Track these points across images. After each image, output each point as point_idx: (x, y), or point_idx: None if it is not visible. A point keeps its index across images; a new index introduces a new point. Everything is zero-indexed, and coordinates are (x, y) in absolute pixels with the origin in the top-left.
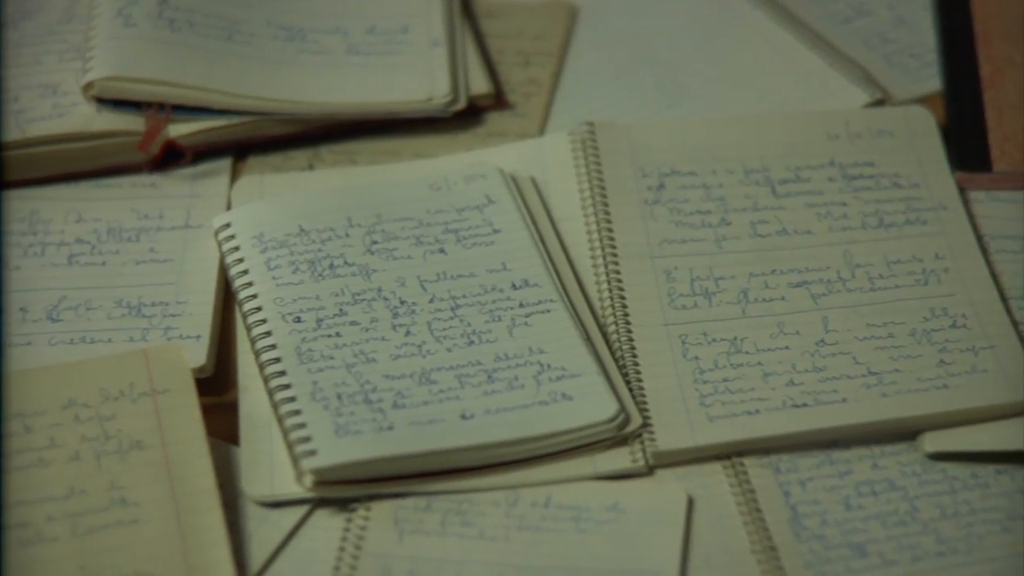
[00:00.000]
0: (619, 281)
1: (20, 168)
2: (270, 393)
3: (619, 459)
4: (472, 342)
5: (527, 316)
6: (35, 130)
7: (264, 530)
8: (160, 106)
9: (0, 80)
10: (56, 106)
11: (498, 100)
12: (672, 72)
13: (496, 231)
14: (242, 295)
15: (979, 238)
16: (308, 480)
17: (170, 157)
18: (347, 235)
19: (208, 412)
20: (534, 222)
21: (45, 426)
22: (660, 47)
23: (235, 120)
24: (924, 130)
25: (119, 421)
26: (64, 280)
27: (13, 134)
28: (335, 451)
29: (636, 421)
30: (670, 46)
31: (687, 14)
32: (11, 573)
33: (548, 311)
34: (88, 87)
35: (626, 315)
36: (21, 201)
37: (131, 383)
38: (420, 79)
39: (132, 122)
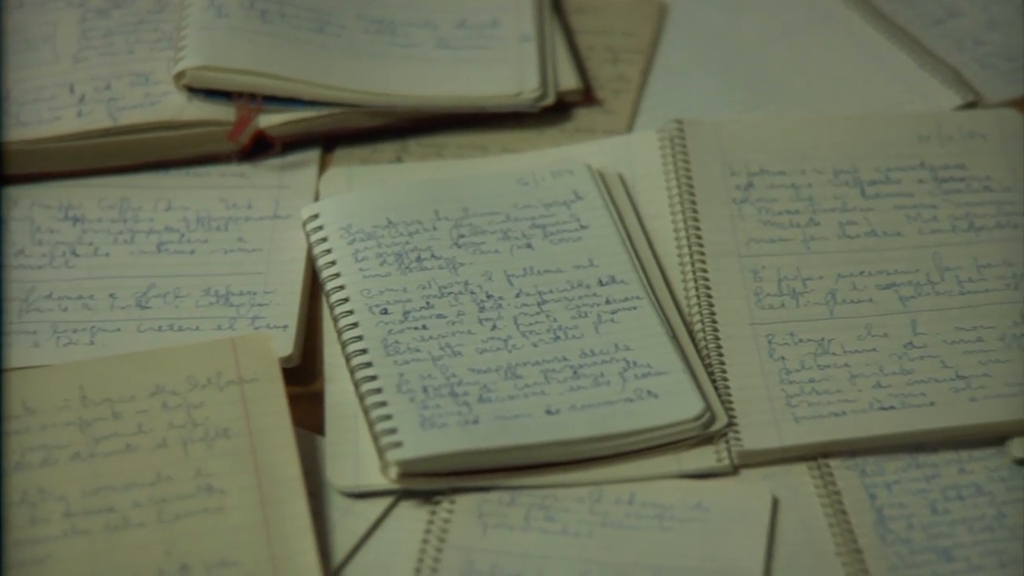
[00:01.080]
0: (706, 279)
1: (111, 156)
2: (356, 384)
3: (704, 458)
4: (558, 338)
5: (613, 313)
6: (126, 118)
7: (348, 520)
8: (251, 96)
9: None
10: (148, 95)
11: (587, 96)
12: (761, 71)
13: (583, 227)
14: (329, 286)
15: None
16: (393, 472)
17: (259, 147)
18: (434, 228)
19: (294, 402)
20: (621, 219)
21: (133, 412)
22: (749, 46)
23: (324, 111)
24: (1016, 133)
25: (206, 409)
26: (153, 268)
27: (104, 122)
28: (420, 443)
29: (721, 420)
30: (760, 45)
31: (777, 13)
32: (98, 559)
33: (634, 308)
34: (180, 76)
35: (712, 314)
36: (111, 188)
37: (219, 371)
38: (509, 74)
39: (222, 112)
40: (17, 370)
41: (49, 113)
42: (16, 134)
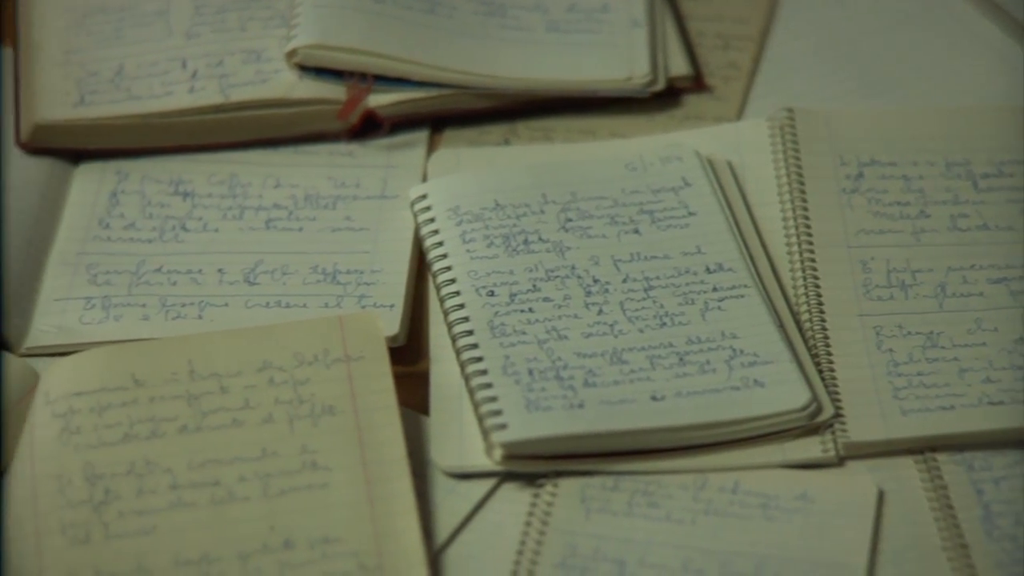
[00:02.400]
0: (814, 269)
1: (222, 132)
2: (462, 365)
3: (809, 448)
4: (664, 324)
5: (720, 300)
6: (238, 95)
7: (452, 501)
8: (362, 76)
9: None
10: (259, 72)
11: (697, 83)
12: (873, 61)
13: (691, 214)
14: (436, 267)
15: None
16: (497, 453)
17: (368, 127)
18: (542, 211)
19: (398, 381)
20: (729, 206)
21: (240, 387)
22: (861, 35)
23: (434, 92)
24: None
25: (312, 386)
26: (261, 244)
27: (216, 98)
28: (525, 426)
29: (828, 411)
30: (872, 35)
31: (890, 3)
32: (203, 531)
33: (742, 296)
34: (291, 54)
35: (820, 304)
36: (221, 164)
37: (326, 349)
38: (620, 59)
39: (333, 91)
40: (126, 342)
41: (161, 88)
42: (128, 108)
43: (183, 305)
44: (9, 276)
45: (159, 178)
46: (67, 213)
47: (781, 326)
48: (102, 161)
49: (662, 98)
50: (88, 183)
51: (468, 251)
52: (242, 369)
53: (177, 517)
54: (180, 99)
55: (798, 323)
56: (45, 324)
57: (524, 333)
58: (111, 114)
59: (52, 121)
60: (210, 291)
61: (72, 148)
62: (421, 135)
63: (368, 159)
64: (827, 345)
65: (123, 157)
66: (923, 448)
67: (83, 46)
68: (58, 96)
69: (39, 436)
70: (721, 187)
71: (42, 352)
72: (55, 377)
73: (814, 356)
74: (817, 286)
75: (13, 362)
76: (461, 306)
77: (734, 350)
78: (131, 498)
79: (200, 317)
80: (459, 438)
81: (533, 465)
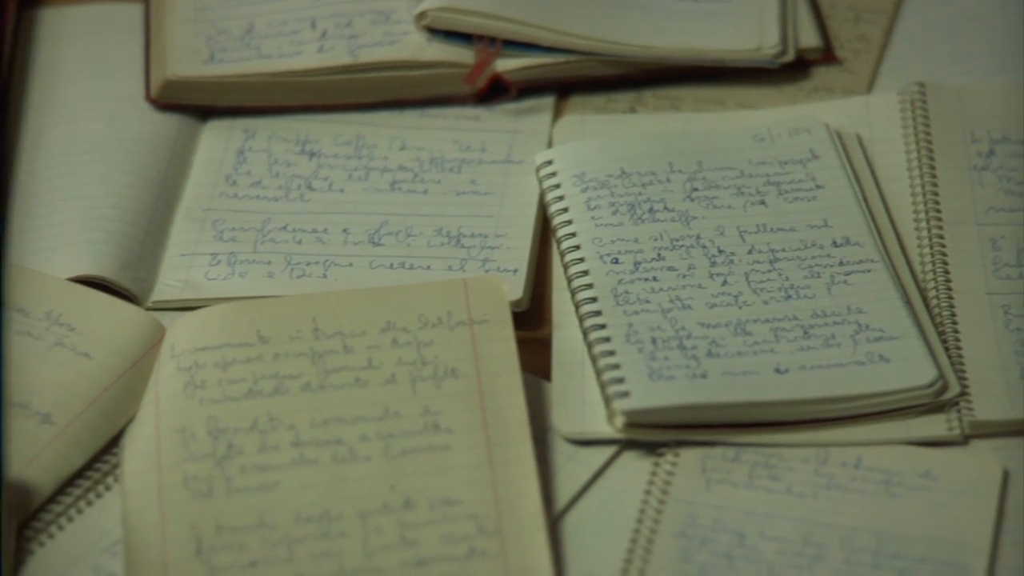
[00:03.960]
0: (942, 246)
1: (349, 92)
2: (585, 332)
3: (934, 426)
4: (789, 296)
5: (847, 274)
6: (366, 56)
7: (572, 467)
8: (490, 40)
9: None
10: (388, 33)
11: (827, 55)
12: (1007, 36)
13: (819, 187)
14: (561, 233)
15: None
16: (619, 421)
17: (495, 91)
18: (668, 180)
19: (520, 346)
20: (858, 180)
21: (364, 347)
22: (996, 9)
23: (562, 58)
24: None
25: (436, 348)
26: (386, 205)
27: (344, 59)
28: (648, 394)
29: (954, 389)
30: (1006, 8)
31: None
32: (325, 489)
33: (868, 271)
34: (421, 16)
35: (948, 281)
36: (348, 125)
37: (449, 311)
38: (750, 28)
39: (461, 54)
40: (252, 299)
41: (291, 47)
42: (257, 67)
43: (308, 264)
44: (137, 230)
45: (286, 137)
46: (195, 169)
47: (907, 302)
48: (230, 118)
49: (791, 69)
50: (216, 140)
51: (593, 218)
52: (366, 329)
53: (299, 474)
54: (309, 59)
55: (925, 300)
56: (171, 279)
57: (648, 302)
58: (240, 72)
59: (182, 77)
60: (335, 251)
61: (201, 105)
62: (547, 101)
63: (494, 124)
64: (954, 322)
65: (251, 115)
66: None
67: (214, 4)
68: (188, 53)
69: (164, 389)
70: (849, 161)
71: (168, 306)
72: (181, 331)
73: (940, 333)
74: (945, 263)
75: (140, 315)
76: (585, 273)
77: (859, 325)
78: (254, 453)
79: (324, 276)
80: (580, 404)
81: (654, 434)
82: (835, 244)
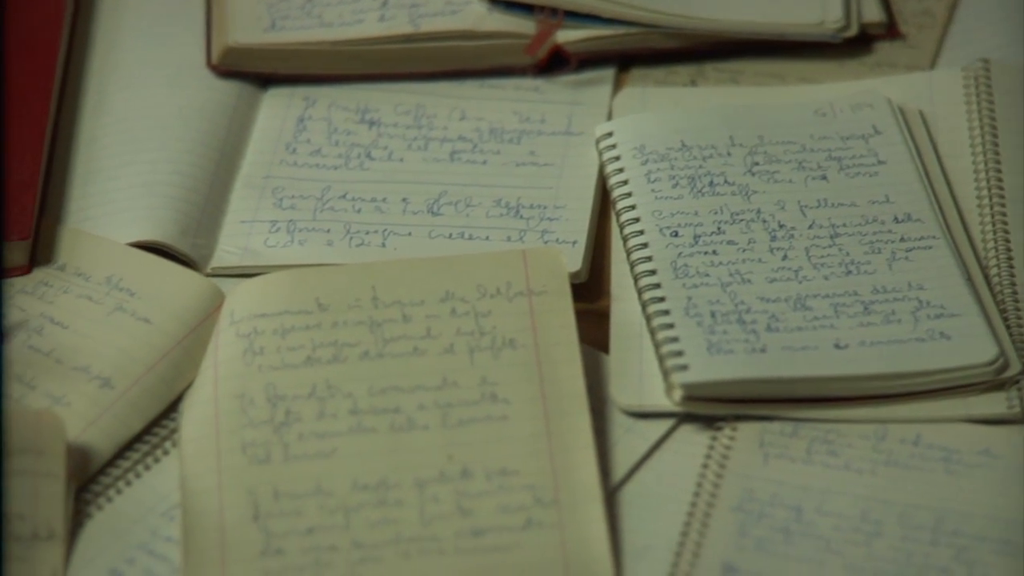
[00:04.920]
0: (1004, 224)
1: (410, 62)
2: (643, 305)
3: (994, 404)
4: (850, 272)
5: (908, 251)
6: (427, 25)
7: (629, 439)
8: (552, 11)
9: None
10: (449, 3)
11: (890, 30)
12: None
13: (881, 162)
14: (620, 205)
15: None
16: (677, 394)
17: (555, 63)
18: (728, 154)
19: (579, 317)
20: (920, 156)
21: (422, 316)
22: None
23: (623, 30)
24: None
25: (494, 318)
26: (446, 175)
27: (405, 28)
28: (707, 368)
29: (1015, 367)
30: None
31: None
32: (382, 457)
33: (930, 247)
34: None
35: (1010, 259)
36: (408, 94)
37: (508, 282)
38: (812, 3)
39: (522, 25)
40: (311, 267)
41: (352, 16)
42: (318, 35)
43: (367, 233)
44: (197, 197)
45: (346, 105)
46: (255, 137)
47: (969, 279)
48: (290, 86)
49: (854, 44)
50: (276, 108)
51: (653, 191)
52: (425, 298)
53: (356, 442)
54: (370, 27)
55: (986, 277)
56: (230, 245)
57: (707, 275)
58: (301, 40)
59: (243, 45)
60: (394, 220)
61: (261, 72)
62: (608, 73)
63: (554, 95)
64: (1016, 301)
65: (311, 83)
66: None
67: None
68: (250, 20)
69: (223, 355)
70: (912, 137)
71: (227, 273)
72: (240, 298)
73: (1002, 311)
74: (1007, 241)
75: (199, 281)
76: (644, 245)
77: (920, 301)
78: (312, 421)
79: (383, 245)
80: (638, 377)
81: (712, 407)
82: (896, 220)
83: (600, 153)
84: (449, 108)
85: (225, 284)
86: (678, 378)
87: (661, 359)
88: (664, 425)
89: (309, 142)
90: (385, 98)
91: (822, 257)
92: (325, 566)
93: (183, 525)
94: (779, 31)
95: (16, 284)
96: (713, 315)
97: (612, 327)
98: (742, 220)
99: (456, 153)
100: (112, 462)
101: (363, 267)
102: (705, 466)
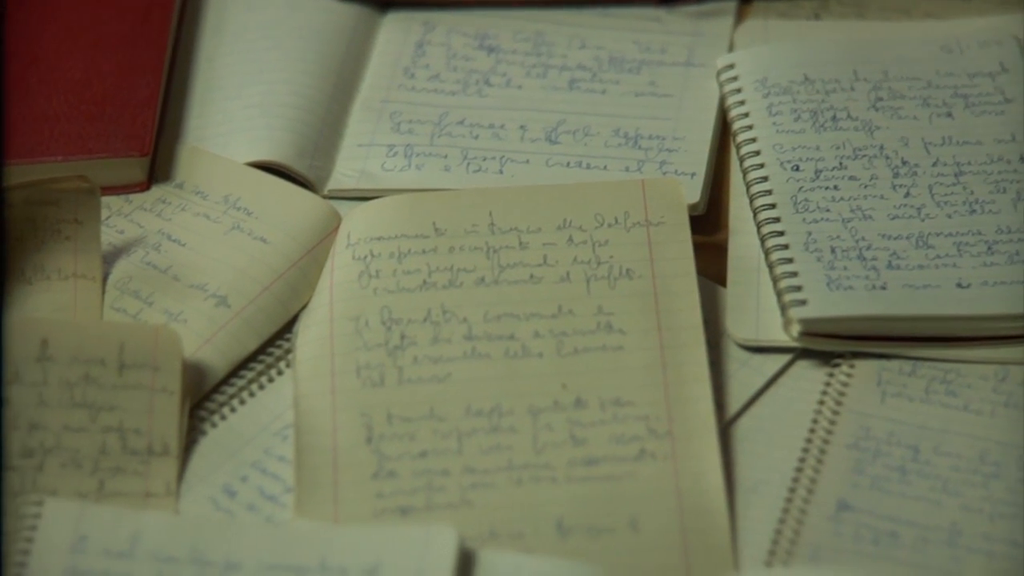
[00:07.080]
0: None
1: None
2: (762, 239)
3: None
4: (974, 211)
5: None
6: None
7: (745, 373)
8: None
9: None
10: None
11: None
12: None
13: (1007, 100)
14: (740, 138)
15: None
16: (795, 329)
17: None
18: (852, 89)
19: (697, 250)
20: None
21: (539, 244)
22: None
23: None
24: None
25: (611, 248)
26: (564, 104)
27: None
28: (826, 303)
29: None
30: None
31: None
32: (496, 383)
33: None
34: None
35: None
36: (527, 21)
37: (626, 212)
38: None
39: None
40: (428, 191)
41: None
42: None
43: (484, 159)
44: (315, 119)
45: (465, 31)
46: (373, 61)
47: None
48: (409, 11)
49: None
50: (395, 32)
51: (774, 124)
52: (542, 226)
53: (471, 367)
54: None
55: None
56: (347, 168)
57: (828, 210)
58: None
59: None
60: (511, 147)
61: None
62: (730, 5)
63: (675, 26)
64: None
65: (430, 8)
66: None
67: None
68: None
69: (339, 278)
70: None
71: (343, 195)
72: (357, 220)
73: None
74: None
75: (316, 203)
76: (764, 179)
77: None
78: (426, 345)
79: (500, 172)
80: (755, 311)
81: (830, 344)
82: (1022, 160)
83: (721, 85)
84: (569, 36)
85: (342, 207)
86: (796, 313)
87: (779, 293)
88: (780, 360)
89: (427, 67)
90: (504, 24)
91: (946, 195)
92: (437, 490)
93: (296, 445)
94: None
95: (135, 201)
96: (833, 251)
97: (730, 260)
98: (864, 156)
99: (575, 81)
100: (227, 380)
101: (480, 192)
102: (821, 403)
